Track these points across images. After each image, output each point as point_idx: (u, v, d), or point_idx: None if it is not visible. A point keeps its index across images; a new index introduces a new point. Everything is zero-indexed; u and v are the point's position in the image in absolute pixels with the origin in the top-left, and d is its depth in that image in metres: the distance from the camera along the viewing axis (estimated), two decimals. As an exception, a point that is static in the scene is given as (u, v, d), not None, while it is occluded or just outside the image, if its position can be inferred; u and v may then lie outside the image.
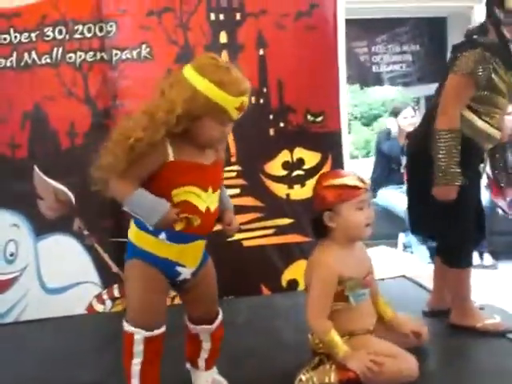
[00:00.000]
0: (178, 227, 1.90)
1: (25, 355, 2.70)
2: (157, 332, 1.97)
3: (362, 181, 2.18)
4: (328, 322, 2.14)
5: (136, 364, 1.96)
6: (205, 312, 2.15)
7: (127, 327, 1.96)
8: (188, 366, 2.26)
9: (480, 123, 2.51)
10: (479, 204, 2.71)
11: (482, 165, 2.63)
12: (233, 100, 1.84)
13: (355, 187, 2.16)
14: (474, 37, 2.57)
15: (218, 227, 2.08)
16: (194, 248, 2.00)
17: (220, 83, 1.82)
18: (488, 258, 5.55)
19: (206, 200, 1.94)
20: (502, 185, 2.84)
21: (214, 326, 2.16)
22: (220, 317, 2.19)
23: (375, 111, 8.10)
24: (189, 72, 1.86)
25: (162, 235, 1.93)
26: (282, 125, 3.38)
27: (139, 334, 1.94)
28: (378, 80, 8.09)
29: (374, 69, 7.79)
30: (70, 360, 2.58)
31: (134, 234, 1.99)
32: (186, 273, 2.02)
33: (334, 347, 2.11)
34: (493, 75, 2.44)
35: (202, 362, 2.21)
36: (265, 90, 3.33)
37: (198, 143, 1.93)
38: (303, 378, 2.11)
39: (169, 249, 1.95)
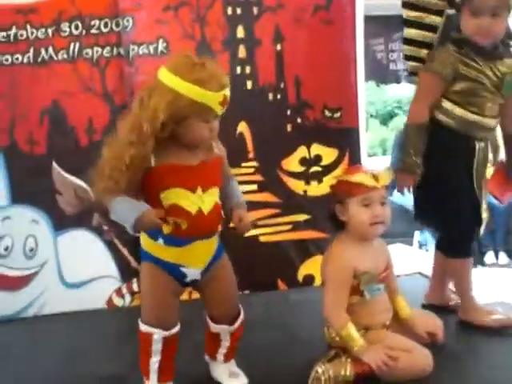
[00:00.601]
0: (166, 230, 1.89)
1: (44, 349, 2.71)
2: (173, 331, 2.00)
3: (376, 179, 2.16)
4: (345, 315, 2.14)
5: (154, 362, 2.00)
6: (224, 310, 2.14)
7: (144, 327, 1.99)
8: (206, 358, 2.27)
9: (464, 114, 2.51)
10: (476, 196, 2.65)
11: (475, 157, 2.60)
12: (215, 96, 1.82)
13: (361, 184, 2.15)
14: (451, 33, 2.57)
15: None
16: (195, 249, 1.98)
17: (199, 81, 1.79)
18: (503, 257, 5.52)
19: (196, 201, 1.92)
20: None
21: (234, 327, 2.16)
22: (241, 317, 2.19)
23: (390, 108, 8.05)
24: (165, 75, 1.84)
25: (160, 240, 1.94)
26: (299, 121, 3.35)
27: (157, 335, 1.96)
28: (394, 78, 8.04)
29: (391, 66, 7.75)
30: (90, 354, 2.60)
31: (142, 238, 2.02)
32: (192, 274, 2.02)
33: (350, 341, 2.11)
34: (464, 68, 2.45)
35: (220, 356, 2.22)
36: (282, 85, 3.30)
37: (187, 144, 1.91)
38: (319, 370, 2.10)
39: (169, 252, 1.96)
